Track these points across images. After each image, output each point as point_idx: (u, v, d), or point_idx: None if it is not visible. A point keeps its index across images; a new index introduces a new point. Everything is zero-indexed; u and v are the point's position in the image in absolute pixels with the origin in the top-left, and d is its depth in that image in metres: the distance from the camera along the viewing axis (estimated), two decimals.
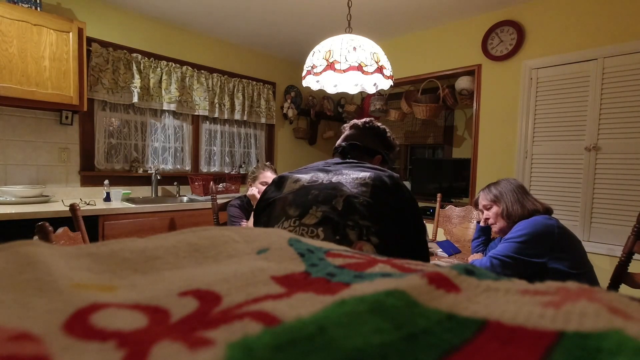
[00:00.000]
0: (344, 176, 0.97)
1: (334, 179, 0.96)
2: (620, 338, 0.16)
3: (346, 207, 0.90)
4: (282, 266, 0.29)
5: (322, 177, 0.96)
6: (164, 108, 2.89)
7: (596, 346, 0.16)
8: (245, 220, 1.92)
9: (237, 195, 2.87)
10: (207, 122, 3.32)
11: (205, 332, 0.17)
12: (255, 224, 1.01)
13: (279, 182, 1.01)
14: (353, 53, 1.56)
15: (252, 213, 1.06)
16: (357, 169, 1.02)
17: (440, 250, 1.75)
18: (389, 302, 0.20)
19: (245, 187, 3.45)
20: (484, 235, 1.62)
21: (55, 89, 2.16)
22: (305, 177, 0.98)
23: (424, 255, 1.00)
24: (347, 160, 1.07)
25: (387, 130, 1.22)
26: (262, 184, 1.92)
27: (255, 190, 1.93)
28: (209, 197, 2.47)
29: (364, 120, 1.22)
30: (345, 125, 1.26)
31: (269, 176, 1.94)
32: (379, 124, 1.22)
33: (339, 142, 1.19)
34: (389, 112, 3.51)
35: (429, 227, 2.55)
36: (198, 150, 3.27)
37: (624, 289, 1.21)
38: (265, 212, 0.95)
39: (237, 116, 3.37)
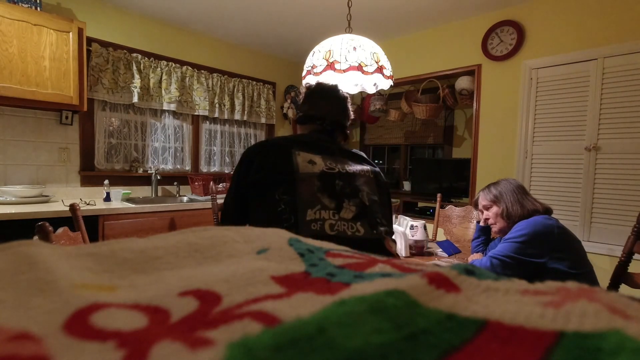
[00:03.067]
0: (351, 166, 0.96)
1: (349, 169, 0.95)
2: (620, 338, 0.16)
3: (371, 203, 0.92)
4: (282, 266, 0.29)
5: (336, 165, 0.94)
6: (164, 108, 2.89)
7: (596, 346, 0.16)
8: None
9: None
10: (207, 122, 3.32)
11: (205, 332, 0.17)
12: (265, 191, 0.90)
13: (282, 150, 0.94)
14: (353, 53, 1.56)
15: (247, 167, 0.97)
16: (355, 159, 1.01)
17: (440, 250, 1.75)
18: (389, 302, 0.20)
19: None
20: (484, 235, 1.62)
21: (55, 89, 2.16)
22: (319, 161, 0.93)
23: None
24: (345, 148, 1.04)
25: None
26: None
27: None
28: (209, 197, 2.47)
29: (338, 87, 1.15)
30: (310, 85, 1.16)
31: None
32: (345, 93, 1.16)
33: (317, 112, 1.08)
34: (389, 112, 3.51)
35: (429, 227, 2.55)
36: (198, 150, 3.27)
37: (624, 289, 1.21)
38: (282, 186, 0.88)
39: (237, 116, 3.37)
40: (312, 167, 0.91)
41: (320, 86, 1.15)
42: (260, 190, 0.92)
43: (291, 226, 0.81)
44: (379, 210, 0.93)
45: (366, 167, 1.00)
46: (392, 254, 0.91)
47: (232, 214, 1.01)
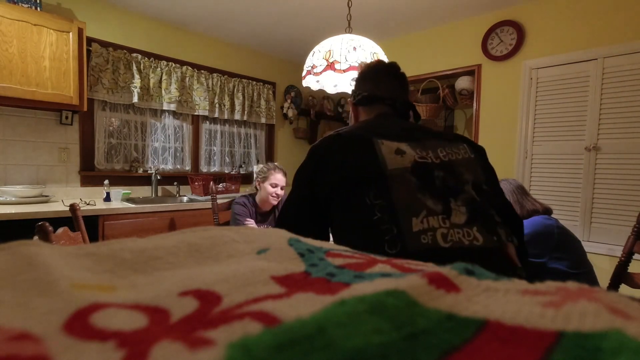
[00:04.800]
0: (445, 150, 0.76)
1: (444, 155, 0.75)
2: (620, 338, 0.16)
3: (482, 196, 0.72)
4: (282, 266, 0.29)
5: (428, 153, 0.75)
6: (164, 108, 2.89)
7: (596, 346, 0.16)
8: (250, 219, 1.91)
9: (237, 194, 2.87)
10: (207, 122, 3.32)
11: (205, 332, 0.17)
12: (349, 195, 0.72)
13: (362, 141, 0.75)
14: (353, 53, 1.56)
15: (308, 175, 0.81)
16: (447, 139, 0.81)
17: None
18: (389, 302, 0.20)
19: (245, 187, 3.45)
20: None
21: (55, 89, 2.16)
22: (407, 149, 0.74)
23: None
24: (428, 128, 0.86)
25: None
26: (272, 185, 1.91)
27: (269, 189, 1.91)
28: (209, 197, 2.47)
29: (396, 65, 0.96)
30: (369, 63, 0.99)
31: (279, 179, 1.93)
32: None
33: (385, 92, 0.92)
34: None
35: None
36: (198, 150, 3.27)
37: (624, 289, 1.21)
38: (372, 188, 0.70)
39: (237, 116, 3.37)
40: (402, 159, 0.72)
41: (381, 64, 0.99)
42: (343, 194, 0.73)
43: (395, 238, 0.65)
44: (494, 204, 0.73)
45: (462, 146, 0.80)
46: (516, 266, 0.70)
47: (299, 224, 0.80)
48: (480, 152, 0.81)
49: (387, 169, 0.70)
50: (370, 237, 0.67)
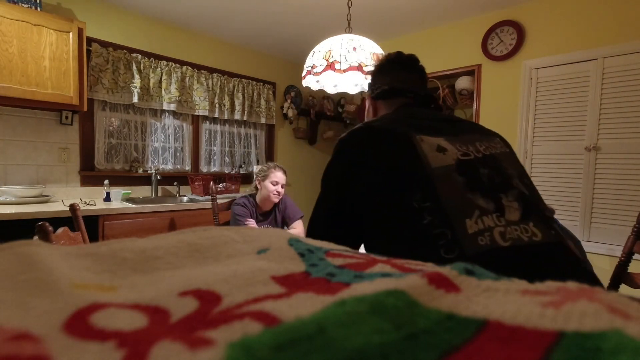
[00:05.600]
0: (483, 144, 0.72)
1: (483, 149, 0.71)
2: (620, 338, 0.16)
3: (530, 189, 0.69)
4: (282, 266, 0.29)
5: (468, 147, 0.70)
6: (164, 108, 2.89)
7: (596, 346, 0.16)
8: (250, 219, 1.91)
9: (237, 195, 2.87)
10: (207, 122, 3.32)
11: (205, 332, 0.17)
12: (392, 199, 0.66)
13: (400, 137, 0.69)
14: (353, 53, 1.56)
15: (337, 183, 0.74)
16: (479, 132, 0.77)
17: None
18: (389, 302, 0.20)
19: (245, 187, 3.45)
20: None
21: (55, 89, 2.16)
22: (447, 146, 0.69)
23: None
24: (456, 119, 0.82)
25: None
26: (272, 183, 1.92)
27: (269, 187, 1.91)
28: (209, 197, 2.47)
29: (415, 58, 0.93)
30: (388, 55, 0.95)
31: (280, 176, 1.94)
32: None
33: (406, 84, 0.88)
34: None
35: None
36: (198, 150, 3.27)
37: (624, 289, 1.21)
38: (417, 190, 0.64)
39: (237, 116, 3.37)
40: (445, 157, 0.67)
41: (400, 55, 0.95)
42: (381, 197, 0.67)
43: (450, 244, 0.60)
44: (541, 198, 0.71)
45: (497, 139, 0.76)
46: (580, 259, 0.64)
47: (330, 235, 0.67)
48: (511, 147, 0.78)
49: (431, 168, 0.65)
50: (422, 244, 0.62)
